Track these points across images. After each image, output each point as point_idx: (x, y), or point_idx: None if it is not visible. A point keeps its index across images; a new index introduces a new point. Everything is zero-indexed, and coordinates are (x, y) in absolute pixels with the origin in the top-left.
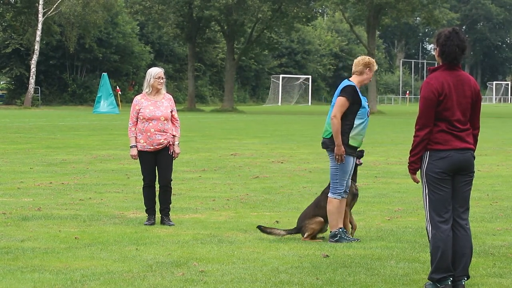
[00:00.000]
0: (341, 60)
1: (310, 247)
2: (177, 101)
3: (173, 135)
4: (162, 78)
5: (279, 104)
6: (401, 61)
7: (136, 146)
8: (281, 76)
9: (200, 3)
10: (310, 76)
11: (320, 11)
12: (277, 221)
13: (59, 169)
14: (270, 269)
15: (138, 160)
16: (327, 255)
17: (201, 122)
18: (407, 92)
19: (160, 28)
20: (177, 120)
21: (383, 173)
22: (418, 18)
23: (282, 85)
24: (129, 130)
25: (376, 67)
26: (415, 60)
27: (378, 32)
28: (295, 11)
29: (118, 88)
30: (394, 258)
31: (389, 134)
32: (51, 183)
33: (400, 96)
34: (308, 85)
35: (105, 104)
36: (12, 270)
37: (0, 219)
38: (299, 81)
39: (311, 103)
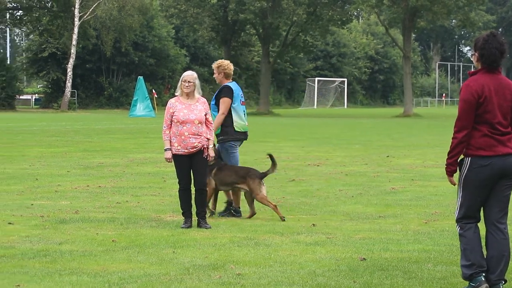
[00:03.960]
0: (376, 63)
1: (347, 250)
2: None
3: (207, 139)
4: (188, 82)
5: (315, 107)
6: (437, 63)
7: (170, 149)
8: (316, 79)
9: (235, 7)
10: (345, 79)
11: (355, 14)
12: (313, 224)
13: (96, 172)
14: (307, 272)
15: (173, 163)
16: (364, 258)
17: None
18: (443, 95)
19: (196, 31)
20: (211, 124)
21: (420, 176)
22: (454, 20)
23: (317, 88)
24: (164, 133)
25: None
26: (451, 63)
27: (413, 35)
28: (330, 14)
29: (154, 91)
30: (431, 261)
31: (426, 137)
32: (88, 186)
33: (436, 99)
34: (344, 88)
35: (141, 107)
36: (51, 273)
37: (38, 222)
38: (335, 84)
39: (346, 106)
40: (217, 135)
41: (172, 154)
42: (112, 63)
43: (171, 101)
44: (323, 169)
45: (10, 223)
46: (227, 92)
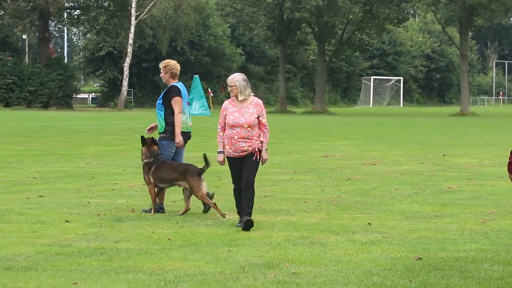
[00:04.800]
0: (433, 61)
1: (403, 249)
2: (268, 103)
3: (260, 141)
4: (231, 86)
5: (371, 105)
6: (494, 62)
7: (223, 152)
8: (372, 77)
9: (291, 5)
10: (401, 78)
11: (412, 12)
12: (369, 223)
13: None
14: (363, 272)
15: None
16: (420, 258)
17: (292, 124)
18: (501, 93)
19: (251, 30)
20: (265, 126)
21: (477, 175)
22: (511, 18)
23: (373, 86)
24: (218, 136)
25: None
26: (508, 61)
27: (470, 33)
28: (386, 12)
29: (209, 90)
30: (488, 261)
31: (483, 136)
32: (144, 184)
33: (494, 97)
34: (400, 86)
35: (197, 106)
36: (107, 271)
37: (95, 220)
38: (391, 83)
39: (402, 104)
40: (160, 133)
41: (226, 156)
42: None
43: (225, 103)
44: (379, 168)
45: (67, 221)
46: (176, 91)
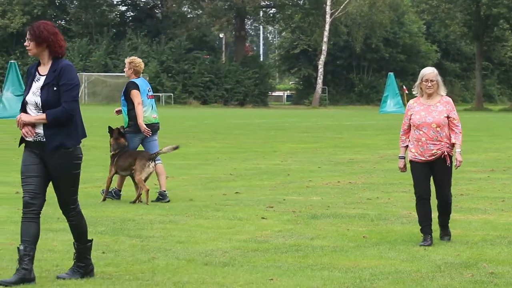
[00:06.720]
0: None
1: None
2: (464, 101)
3: (451, 144)
4: (431, 81)
5: None
6: None
7: (404, 158)
8: None
9: (488, 1)
10: None
11: None
12: None
13: (347, 168)
14: None
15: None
16: None
17: (489, 122)
18: None
19: (447, 26)
20: (457, 126)
21: None
22: None
23: None
24: (400, 139)
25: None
26: None
27: None
28: None
29: (404, 87)
30: None
31: None
32: (338, 182)
33: None
34: None
35: (392, 103)
36: (303, 267)
37: (290, 217)
38: None
39: None
40: (125, 128)
41: (410, 160)
42: (362, 59)
43: (410, 102)
44: None
45: (264, 218)
46: (133, 85)
